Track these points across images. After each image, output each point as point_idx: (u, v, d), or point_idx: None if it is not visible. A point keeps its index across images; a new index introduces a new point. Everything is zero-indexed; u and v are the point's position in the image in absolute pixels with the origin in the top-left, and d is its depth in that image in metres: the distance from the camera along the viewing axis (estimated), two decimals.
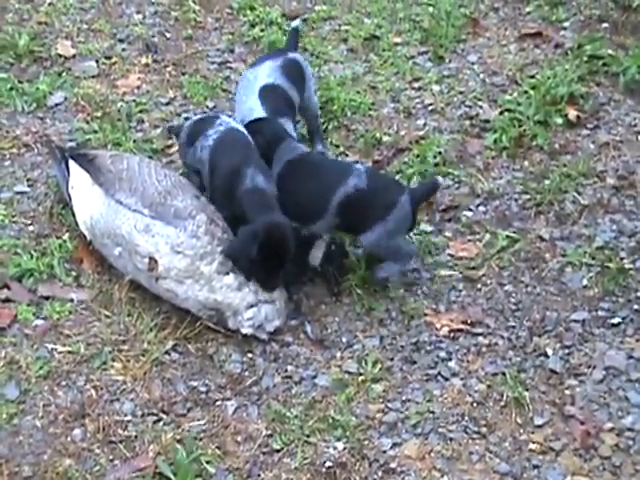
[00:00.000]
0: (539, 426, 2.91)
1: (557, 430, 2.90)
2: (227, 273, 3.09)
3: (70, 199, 3.38)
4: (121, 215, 3.16)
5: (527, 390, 3.00)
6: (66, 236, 3.41)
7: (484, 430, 2.91)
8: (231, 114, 3.76)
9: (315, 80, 3.96)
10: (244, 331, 3.13)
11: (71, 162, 3.40)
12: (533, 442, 2.87)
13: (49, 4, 4.48)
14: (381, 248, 3.23)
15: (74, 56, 4.22)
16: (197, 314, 3.14)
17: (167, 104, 4.02)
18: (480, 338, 3.18)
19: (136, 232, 3.11)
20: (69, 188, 3.38)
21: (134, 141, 3.78)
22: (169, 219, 3.10)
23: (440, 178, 3.34)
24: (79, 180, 3.33)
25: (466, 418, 2.95)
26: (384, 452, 2.86)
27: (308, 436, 2.89)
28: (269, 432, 2.90)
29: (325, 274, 3.32)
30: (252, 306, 3.11)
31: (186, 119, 3.82)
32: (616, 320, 3.21)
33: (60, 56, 4.21)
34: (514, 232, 3.52)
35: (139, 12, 4.49)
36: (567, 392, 3.00)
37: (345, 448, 2.86)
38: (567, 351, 3.12)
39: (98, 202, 3.23)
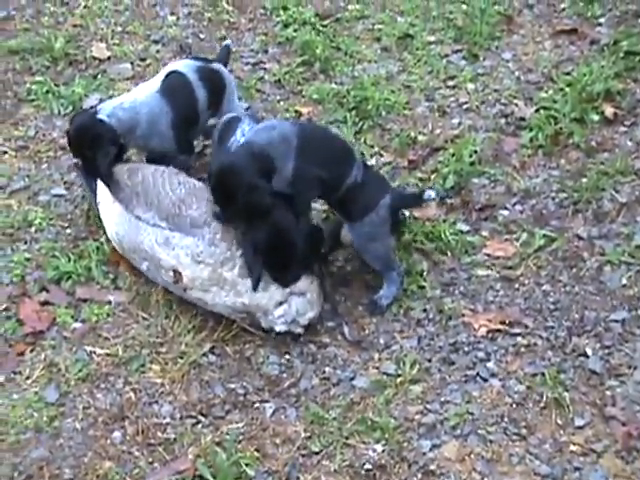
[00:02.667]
0: (580, 427, 2.89)
1: (598, 431, 2.88)
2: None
3: (99, 212, 3.40)
4: (142, 230, 3.17)
5: (567, 391, 2.98)
6: (103, 238, 3.42)
7: (524, 432, 2.89)
8: (265, 114, 3.77)
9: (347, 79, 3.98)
10: (278, 329, 3.13)
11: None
12: (574, 444, 2.85)
13: (84, 7, 4.51)
14: (367, 251, 3.22)
15: (109, 58, 4.24)
16: (230, 317, 3.14)
17: None
18: (519, 338, 3.16)
19: (157, 246, 3.12)
20: (97, 203, 3.41)
21: None
22: (187, 229, 3.11)
23: (430, 192, 3.25)
24: (103, 196, 3.35)
25: (505, 419, 2.93)
26: (423, 454, 2.85)
27: (347, 438, 2.88)
28: (308, 434, 2.90)
29: (360, 265, 3.34)
30: (281, 303, 3.11)
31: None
32: None
33: (95, 58, 4.24)
34: (551, 231, 3.49)
35: (173, 14, 4.50)
36: (608, 393, 2.98)
37: (384, 450, 2.85)
38: (607, 351, 3.10)
39: (120, 219, 3.25)
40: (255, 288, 3.05)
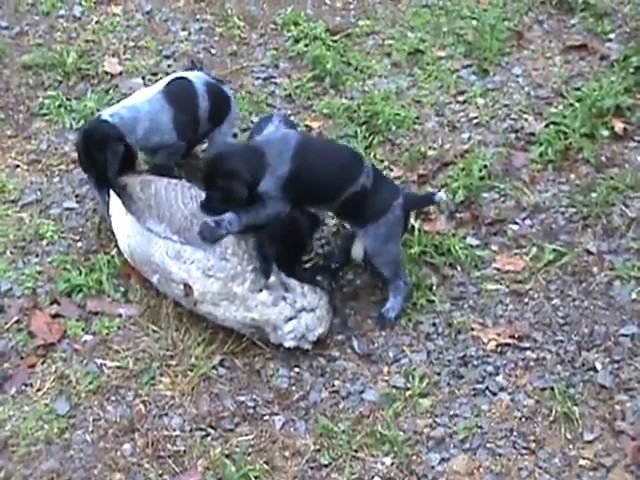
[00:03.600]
0: (589, 442, 2.89)
1: (607, 446, 2.88)
2: (260, 290, 3.10)
3: (111, 225, 3.42)
4: (153, 243, 3.18)
5: (576, 405, 2.98)
6: (114, 252, 3.44)
7: (533, 446, 2.89)
8: None
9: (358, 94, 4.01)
10: (287, 344, 3.14)
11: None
12: (583, 458, 2.85)
13: (96, 22, 4.54)
14: (380, 254, 3.21)
15: (121, 73, 4.27)
16: (240, 332, 3.15)
17: None
18: (528, 352, 3.16)
19: (168, 259, 3.13)
20: (109, 215, 3.43)
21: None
22: (198, 243, 3.11)
23: (441, 194, 3.29)
24: (116, 209, 3.37)
25: (515, 433, 2.93)
26: (432, 467, 2.85)
27: (356, 451, 2.89)
28: (317, 447, 2.91)
29: (370, 279, 3.35)
30: (291, 319, 3.12)
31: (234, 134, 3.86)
32: None
33: (107, 73, 4.26)
34: (561, 246, 3.50)
35: (184, 29, 4.53)
36: (617, 407, 2.98)
37: (393, 463, 2.86)
38: (616, 365, 3.10)
39: (132, 231, 3.26)
40: (267, 276, 3.10)
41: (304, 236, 3.26)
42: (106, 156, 3.36)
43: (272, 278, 3.10)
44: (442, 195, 3.27)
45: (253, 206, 3.07)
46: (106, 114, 3.43)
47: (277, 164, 3.05)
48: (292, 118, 4.03)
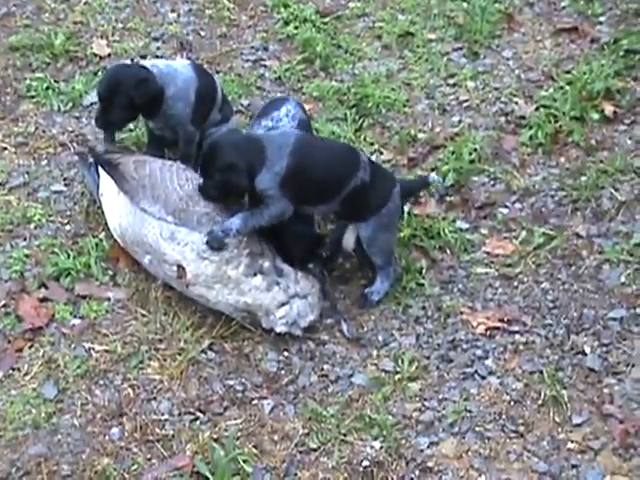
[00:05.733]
0: (577, 425, 2.89)
1: (596, 429, 2.88)
2: (255, 274, 3.09)
3: (101, 204, 3.40)
4: (147, 224, 3.16)
5: (565, 389, 2.98)
6: (102, 235, 3.42)
7: (522, 429, 2.90)
8: None
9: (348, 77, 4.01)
10: (278, 329, 3.13)
11: (100, 169, 3.41)
12: (571, 441, 2.86)
13: (84, 3, 4.50)
14: (375, 244, 3.20)
15: (109, 55, 4.24)
16: (231, 316, 3.14)
17: None
18: (517, 336, 3.16)
19: (162, 240, 3.12)
20: (99, 194, 3.40)
21: None
22: (193, 225, 3.10)
23: (433, 175, 3.36)
24: (107, 188, 3.35)
25: (503, 417, 2.93)
26: (421, 451, 2.85)
27: (345, 435, 2.89)
28: (306, 431, 2.91)
29: (360, 263, 3.33)
30: (283, 304, 3.11)
31: None
32: None
33: (95, 55, 4.23)
34: (550, 229, 3.50)
35: (173, 11, 4.50)
36: (606, 391, 2.98)
37: (382, 447, 2.85)
38: (605, 349, 3.10)
39: (125, 210, 3.24)
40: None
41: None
42: (136, 95, 3.34)
43: (266, 263, 3.10)
44: (435, 176, 3.34)
45: (257, 208, 3.06)
46: (146, 63, 3.47)
47: (275, 159, 3.03)
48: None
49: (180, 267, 3.09)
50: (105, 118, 3.43)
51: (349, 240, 3.26)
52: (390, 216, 3.19)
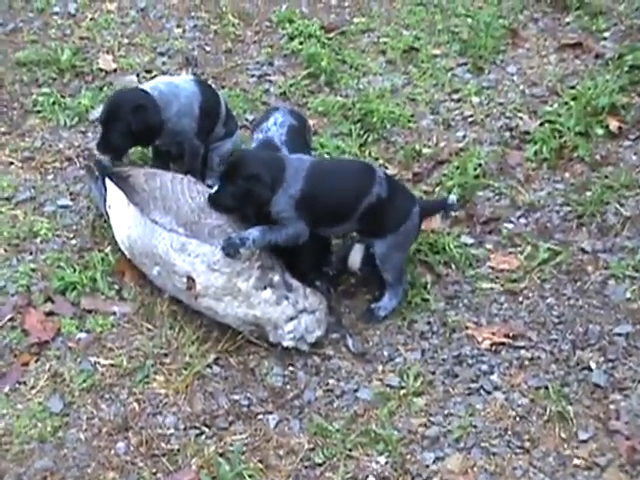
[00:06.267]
0: (584, 441, 2.89)
1: (602, 445, 2.88)
2: (264, 288, 3.09)
3: (108, 217, 3.41)
4: (157, 235, 3.17)
5: (571, 404, 2.98)
6: (108, 249, 3.43)
7: (527, 445, 2.89)
8: None
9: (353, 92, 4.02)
10: (285, 344, 3.13)
11: (108, 181, 3.41)
12: (578, 457, 2.85)
13: (91, 19, 4.53)
14: (389, 261, 3.21)
15: (115, 70, 4.26)
16: (238, 329, 3.15)
17: None
18: (522, 351, 3.16)
19: (173, 251, 3.12)
20: (107, 207, 3.41)
21: None
22: (204, 237, 3.11)
23: (452, 197, 3.35)
24: (116, 199, 3.35)
25: (509, 432, 2.93)
26: (427, 466, 2.85)
27: (350, 450, 2.88)
28: (311, 446, 2.90)
29: (365, 278, 3.33)
30: (292, 319, 3.11)
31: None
32: None
33: (101, 70, 4.25)
34: (555, 244, 3.50)
35: (179, 26, 4.52)
36: (612, 407, 2.98)
37: (387, 462, 2.85)
38: (611, 365, 3.10)
39: (134, 222, 3.25)
40: None
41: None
42: (133, 122, 3.36)
43: (276, 277, 3.10)
44: (453, 198, 3.34)
45: (276, 226, 3.08)
46: (146, 85, 3.49)
47: (291, 182, 3.06)
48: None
49: (190, 278, 3.10)
50: (105, 143, 3.45)
51: (355, 259, 3.27)
52: (407, 235, 3.21)
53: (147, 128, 3.40)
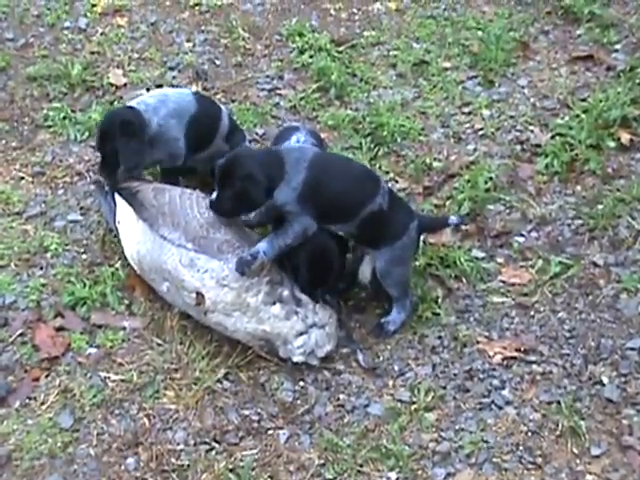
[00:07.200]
0: (596, 456, 2.87)
1: (615, 461, 2.86)
2: (274, 303, 3.08)
3: (118, 232, 3.41)
4: (166, 250, 3.17)
5: (583, 419, 2.96)
6: (118, 264, 3.43)
7: (539, 460, 2.87)
8: None
9: (363, 105, 4.02)
10: (295, 359, 3.12)
11: (117, 196, 3.42)
12: (590, 473, 2.83)
13: (101, 34, 4.54)
14: (390, 276, 3.20)
15: (125, 85, 4.27)
16: (248, 344, 3.14)
17: None
18: (534, 366, 3.15)
19: (181, 267, 3.12)
20: (116, 222, 3.41)
21: None
22: (213, 253, 3.11)
23: (454, 218, 3.31)
24: (125, 215, 3.36)
25: (521, 448, 2.91)
26: None
27: (361, 466, 2.87)
28: (321, 461, 2.89)
29: (375, 291, 3.32)
30: (302, 334, 3.10)
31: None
32: None
33: (112, 85, 4.26)
34: (567, 258, 3.48)
35: (189, 40, 4.53)
36: (624, 422, 2.96)
37: (398, 478, 2.84)
38: (623, 379, 3.08)
39: (143, 237, 3.25)
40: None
41: (334, 260, 3.20)
42: (120, 143, 3.37)
43: (285, 292, 3.10)
44: (455, 219, 3.31)
45: (280, 228, 3.07)
46: (133, 102, 3.53)
47: (293, 173, 3.05)
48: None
49: (199, 294, 3.09)
50: (103, 167, 3.47)
51: (365, 273, 3.26)
52: (404, 250, 3.19)
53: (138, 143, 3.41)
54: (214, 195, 3.13)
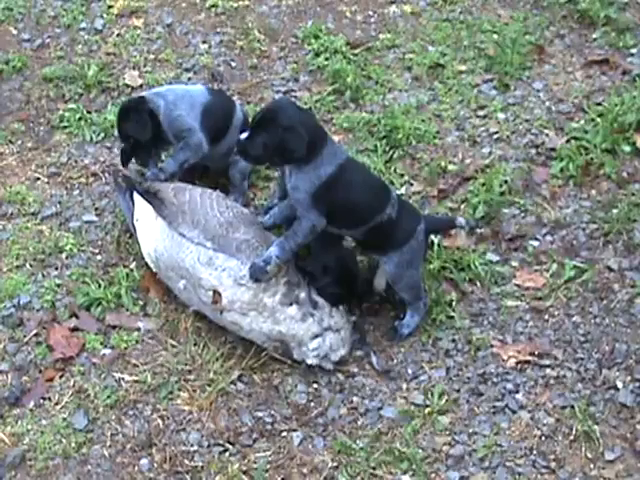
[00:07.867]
0: (610, 461, 2.86)
1: (629, 466, 2.85)
2: (290, 304, 3.09)
3: (135, 230, 3.42)
4: (184, 248, 3.17)
5: (597, 424, 2.95)
6: (133, 265, 3.44)
7: (553, 465, 2.87)
8: None
9: (378, 108, 4.02)
10: (309, 362, 3.13)
11: (135, 195, 3.43)
12: (604, 478, 2.83)
13: (117, 35, 4.55)
14: (401, 280, 3.20)
15: (141, 86, 4.27)
16: (262, 346, 3.14)
17: None
18: (548, 370, 3.14)
19: (199, 265, 3.13)
20: (134, 220, 3.42)
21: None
22: (231, 252, 3.11)
23: (461, 219, 3.31)
24: (143, 213, 3.37)
25: (534, 452, 2.91)
26: None
27: (374, 468, 2.87)
28: (335, 464, 2.90)
29: (390, 299, 3.32)
30: (317, 336, 3.11)
31: None
32: None
33: (127, 86, 4.27)
34: (582, 262, 3.47)
35: (205, 42, 4.53)
36: (639, 427, 2.95)
37: None
38: (638, 384, 3.07)
39: (162, 235, 3.26)
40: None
41: (354, 271, 3.23)
42: (133, 126, 3.53)
43: (302, 294, 3.10)
44: (462, 221, 3.30)
45: (289, 230, 3.07)
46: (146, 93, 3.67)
47: (325, 162, 3.03)
48: None
49: (216, 292, 3.10)
50: (123, 154, 3.62)
51: (380, 280, 3.26)
52: (412, 253, 3.19)
53: (145, 126, 3.53)
54: (244, 135, 3.07)
